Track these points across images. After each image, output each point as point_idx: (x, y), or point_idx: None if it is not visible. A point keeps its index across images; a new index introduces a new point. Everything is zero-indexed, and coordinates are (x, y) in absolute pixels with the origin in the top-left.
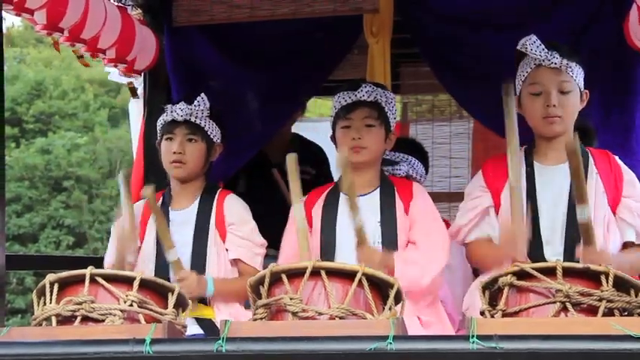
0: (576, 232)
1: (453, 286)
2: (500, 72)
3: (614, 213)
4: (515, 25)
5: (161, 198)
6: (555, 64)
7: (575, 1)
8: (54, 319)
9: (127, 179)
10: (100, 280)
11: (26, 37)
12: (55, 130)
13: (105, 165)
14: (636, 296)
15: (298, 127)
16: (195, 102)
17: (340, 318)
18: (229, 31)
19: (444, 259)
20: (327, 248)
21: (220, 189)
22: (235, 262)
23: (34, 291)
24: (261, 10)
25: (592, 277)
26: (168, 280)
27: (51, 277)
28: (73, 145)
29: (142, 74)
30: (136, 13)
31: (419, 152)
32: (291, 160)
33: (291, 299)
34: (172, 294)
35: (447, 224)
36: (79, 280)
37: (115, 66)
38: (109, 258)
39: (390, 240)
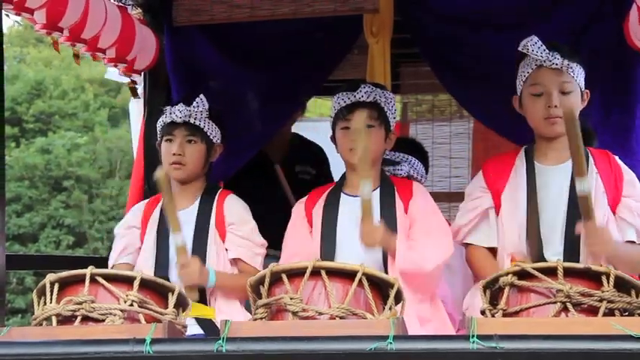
0: (577, 235)
1: (453, 286)
2: (500, 72)
3: (613, 213)
4: (515, 25)
5: (160, 201)
6: (556, 64)
7: (575, 1)
8: (54, 319)
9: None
10: (100, 279)
11: (26, 37)
12: (55, 129)
13: (105, 165)
14: (637, 297)
15: (298, 127)
16: (194, 103)
17: (340, 318)
18: (229, 31)
19: (448, 249)
20: (328, 248)
21: (221, 189)
22: (235, 261)
23: (34, 291)
24: (262, 10)
25: (593, 278)
26: (168, 280)
27: (51, 276)
28: (73, 144)
29: (142, 74)
30: (136, 12)
31: (419, 152)
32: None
33: (291, 299)
34: (172, 294)
35: (447, 224)
36: (79, 280)
37: (115, 66)
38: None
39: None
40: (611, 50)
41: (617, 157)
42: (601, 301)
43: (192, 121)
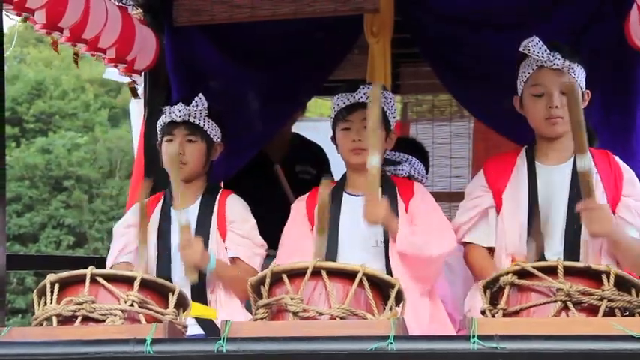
0: (577, 232)
1: (454, 286)
2: (500, 72)
3: (613, 212)
4: (515, 25)
5: (162, 198)
6: (557, 65)
7: (575, 1)
8: (55, 319)
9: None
10: (100, 279)
11: (26, 37)
12: (56, 129)
13: (105, 165)
14: (637, 296)
15: (298, 127)
16: (194, 102)
17: (341, 318)
18: (230, 31)
19: (450, 243)
20: (330, 248)
21: (222, 189)
22: (234, 260)
23: (35, 291)
24: (262, 10)
25: (593, 276)
26: (169, 279)
27: (51, 276)
28: (73, 144)
29: (142, 74)
30: (136, 12)
31: (419, 152)
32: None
33: (291, 299)
34: (173, 294)
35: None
36: (80, 280)
37: (115, 66)
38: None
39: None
40: (611, 50)
41: (616, 157)
42: (601, 299)
43: (191, 120)
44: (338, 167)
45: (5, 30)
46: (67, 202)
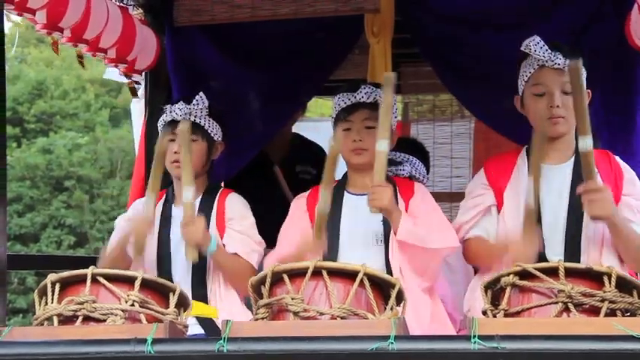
0: (577, 232)
1: (454, 286)
2: (500, 72)
3: None
4: (516, 25)
5: (164, 195)
6: (558, 64)
7: (576, 1)
8: (55, 319)
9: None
10: (101, 279)
11: (27, 37)
12: (57, 129)
13: (106, 165)
14: (639, 297)
15: (299, 127)
16: (194, 101)
17: (342, 318)
18: (230, 31)
19: (452, 240)
20: (331, 247)
21: (222, 188)
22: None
23: (36, 291)
24: (263, 10)
25: (594, 278)
26: (170, 277)
27: (52, 276)
28: (74, 145)
29: (143, 74)
30: (137, 13)
31: (420, 152)
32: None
33: (292, 299)
34: (174, 294)
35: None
36: (81, 280)
37: (116, 66)
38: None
39: (392, 238)
40: (611, 50)
41: (617, 157)
42: (603, 301)
43: (192, 119)
44: (338, 167)
45: (6, 30)
46: (68, 202)
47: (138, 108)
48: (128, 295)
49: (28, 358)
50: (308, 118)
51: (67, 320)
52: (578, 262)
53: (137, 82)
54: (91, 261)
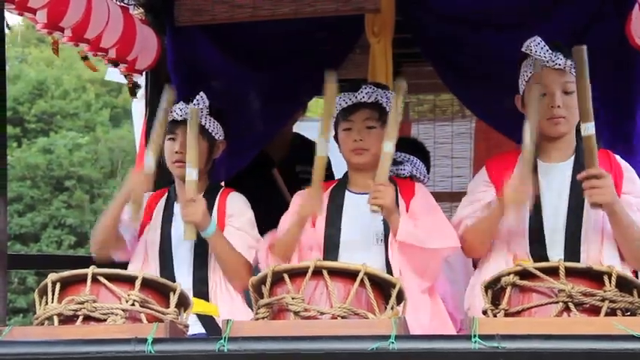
0: (578, 230)
1: (454, 285)
2: (501, 71)
3: None
4: (516, 25)
5: (166, 193)
6: (559, 65)
7: (576, 1)
8: (56, 319)
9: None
10: (101, 279)
11: (28, 37)
12: (57, 129)
13: (106, 165)
14: (639, 296)
15: (299, 127)
16: (194, 101)
17: (342, 317)
18: (231, 31)
19: (452, 241)
20: (332, 246)
21: (223, 188)
22: None
23: (36, 290)
24: (263, 10)
25: (595, 277)
26: (173, 277)
27: (53, 276)
28: (74, 144)
29: (144, 74)
30: (137, 12)
31: (420, 152)
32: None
33: (293, 299)
34: (174, 293)
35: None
36: (81, 280)
37: (117, 66)
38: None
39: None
40: (612, 50)
41: (617, 156)
42: (603, 300)
43: None
44: (339, 167)
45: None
46: (69, 201)
47: (139, 108)
48: (129, 295)
49: (28, 358)
50: (308, 118)
51: (67, 320)
52: (579, 260)
53: (137, 86)
54: (92, 261)
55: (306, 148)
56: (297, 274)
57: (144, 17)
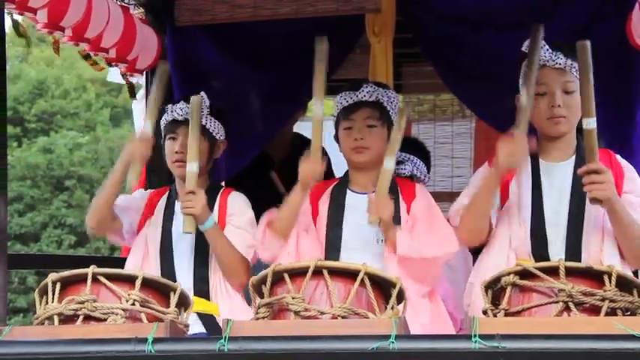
0: (579, 230)
1: (455, 285)
2: (501, 71)
3: None
4: (517, 25)
5: (167, 193)
6: (560, 64)
7: (577, 1)
8: (56, 319)
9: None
10: (102, 279)
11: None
12: (57, 129)
13: (107, 164)
14: (639, 296)
15: (300, 127)
16: None
17: (342, 317)
18: (231, 31)
19: (451, 246)
20: (333, 246)
21: (223, 188)
22: None
23: (36, 290)
24: (264, 10)
25: (595, 277)
26: (174, 276)
27: (53, 276)
28: (75, 144)
29: (144, 74)
30: (138, 12)
31: (421, 152)
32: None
33: (293, 298)
34: (174, 293)
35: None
36: (81, 279)
37: (117, 65)
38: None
39: None
40: (612, 50)
41: (618, 156)
42: (603, 300)
43: None
44: (339, 166)
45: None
46: (69, 201)
47: (139, 108)
48: (129, 295)
49: (28, 358)
50: (309, 118)
51: (67, 319)
52: (580, 259)
53: (135, 87)
54: (92, 260)
55: (306, 147)
56: (298, 273)
57: (144, 17)
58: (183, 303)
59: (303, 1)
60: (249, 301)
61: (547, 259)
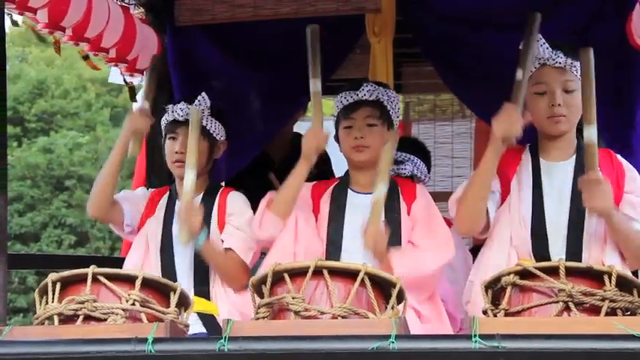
0: (579, 229)
1: (455, 285)
2: (502, 71)
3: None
4: (517, 25)
5: (167, 192)
6: (560, 63)
7: (577, 1)
8: (56, 318)
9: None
10: (102, 279)
11: (28, 36)
12: (57, 129)
13: None
14: (639, 296)
15: (300, 127)
16: (196, 101)
17: (342, 317)
18: (231, 31)
19: (448, 253)
20: (334, 246)
21: (223, 187)
22: (227, 252)
23: (36, 290)
24: (264, 10)
25: (595, 277)
26: (174, 276)
27: (53, 276)
28: (75, 144)
29: (144, 73)
30: (138, 12)
31: (421, 152)
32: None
33: (293, 298)
34: (174, 293)
35: (449, 223)
36: (81, 279)
37: (117, 65)
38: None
39: (394, 239)
40: (612, 50)
41: (618, 156)
42: (603, 300)
43: None
44: (339, 166)
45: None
46: (69, 201)
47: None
48: (129, 295)
49: (28, 358)
50: (309, 118)
51: (67, 319)
52: (580, 259)
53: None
54: (92, 260)
55: None
56: (298, 273)
57: (144, 17)
58: (184, 303)
59: (303, 1)
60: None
61: (548, 258)
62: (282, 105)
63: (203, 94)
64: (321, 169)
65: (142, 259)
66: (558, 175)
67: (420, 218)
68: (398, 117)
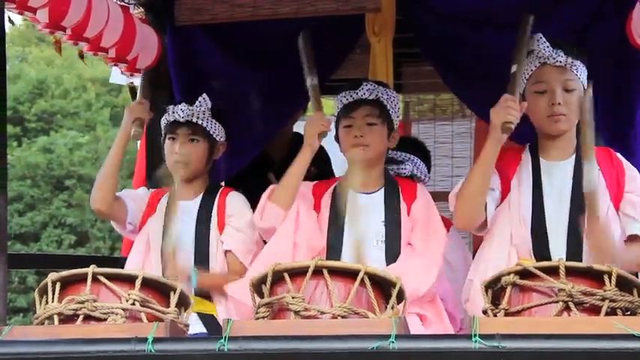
0: (579, 230)
1: (455, 284)
2: (502, 71)
3: (616, 209)
4: (517, 25)
5: (168, 192)
6: (560, 62)
7: (577, 0)
8: (56, 318)
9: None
10: (102, 278)
11: (28, 36)
12: (57, 129)
13: None
14: (639, 296)
15: (300, 127)
16: (197, 102)
17: (342, 317)
18: (231, 30)
19: (439, 262)
20: (334, 246)
21: (222, 187)
22: (226, 254)
23: (36, 290)
24: (264, 9)
25: (595, 277)
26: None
27: (53, 275)
28: (75, 144)
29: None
30: (137, 12)
31: (421, 151)
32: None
33: (293, 298)
34: (174, 293)
35: (448, 223)
36: (81, 279)
37: (116, 65)
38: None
39: (393, 240)
40: (612, 49)
41: (619, 155)
42: (603, 300)
43: (194, 120)
44: (339, 166)
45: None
46: (69, 201)
47: None
48: (129, 294)
49: (28, 357)
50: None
51: (67, 319)
52: (581, 259)
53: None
54: (92, 260)
55: None
56: (298, 273)
57: (144, 16)
58: (184, 303)
59: (303, 1)
60: None
61: (548, 258)
62: (282, 105)
63: (204, 95)
64: (321, 169)
65: (142, 258)
66: (558, 174)
67: (419, 218)
68: (398, 116)
